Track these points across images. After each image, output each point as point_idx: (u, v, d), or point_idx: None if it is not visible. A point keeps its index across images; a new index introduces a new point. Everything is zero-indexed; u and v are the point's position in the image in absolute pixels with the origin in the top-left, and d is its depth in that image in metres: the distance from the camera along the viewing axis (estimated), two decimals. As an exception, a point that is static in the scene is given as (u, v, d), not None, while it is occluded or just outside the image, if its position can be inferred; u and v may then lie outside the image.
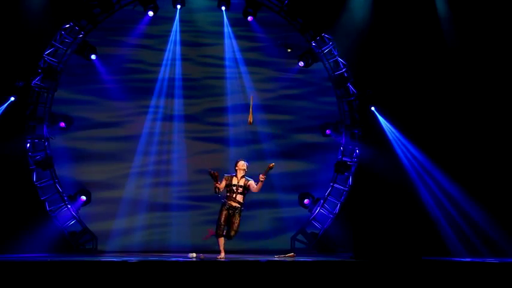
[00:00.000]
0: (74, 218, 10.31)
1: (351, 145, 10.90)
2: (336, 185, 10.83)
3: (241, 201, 8.14)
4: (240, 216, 8.13)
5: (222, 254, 8.12)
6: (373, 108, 10.80)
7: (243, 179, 8.13)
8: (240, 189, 8.10)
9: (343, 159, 10.87)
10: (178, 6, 10.77)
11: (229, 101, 11.03)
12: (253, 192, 8.22)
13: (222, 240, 8.16)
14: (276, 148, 10.88)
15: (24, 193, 9.97)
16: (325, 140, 11.09)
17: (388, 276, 6.95)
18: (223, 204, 8.18)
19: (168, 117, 10.95)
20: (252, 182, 8.12)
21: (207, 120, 11.05)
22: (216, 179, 8.00)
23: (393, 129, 10.74)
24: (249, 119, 8.63)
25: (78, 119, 10.62)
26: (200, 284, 6.73)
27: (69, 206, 10.28)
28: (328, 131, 11.02)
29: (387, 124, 10.77)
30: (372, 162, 10.56)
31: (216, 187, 8.03)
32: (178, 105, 10.97)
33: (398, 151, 10.69)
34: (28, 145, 10.16)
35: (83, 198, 10.36)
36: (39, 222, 9.94)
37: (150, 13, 10.60)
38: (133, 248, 10.29)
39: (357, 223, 8.52)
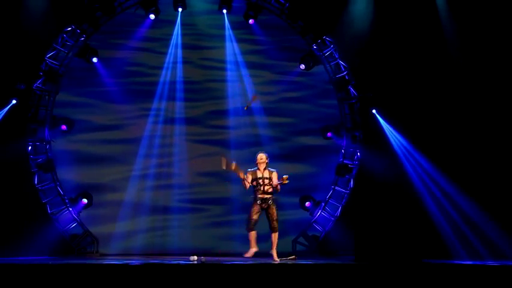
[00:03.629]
0: (75, 220, 10.32)
1: (352, 148, 10.91)
2: (337, 188, 10.83)
3: (271, 191, 8.20)
4: (275, 205, 8.19)
5: (254, 249, 8.14)
6: (374, 111, 10.81)
7: (267, 171, 8.24)
8: (267, 181, 8.19)
9: (344, 161, 10.87)
10: (180, 10, 10.81)
11: (230, 103, 11.04)
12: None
13: (252, 235, 8.19)
14: (277, 151, 10.88)
15: (26, 196, 9.98)
16: (326, 143, 11.10)
17: (389, 279, 6.95)
18: (254, 199, 8.23)
19: (169, 120, 10.96)
20: (275, 174, 8.22)
21: (208, 123, 11.06)
22: (239, 171, 8.03)
23: (394, 132, 10.74)
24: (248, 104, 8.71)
25: (80, 121, 10.64)
26: (201, 287, 6.72)
27: (70, 209, 10.30)
28: (329, 134, 11.02)
29: (388, 127, 10.77)
30: (373, 165, 10.57)
31: (244, 183, 8.11)
32: (179, 108, 10.98)
33: (400, 153, 10.69)
34: (29, 148, 10.18)
35: (84, 201, 10.37)
36: (41, 225, 9.96)
37: (152, 16, 10.63)
38: (134, 251, 10.31)
39: (358, 226, 8.53)
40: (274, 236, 8.25)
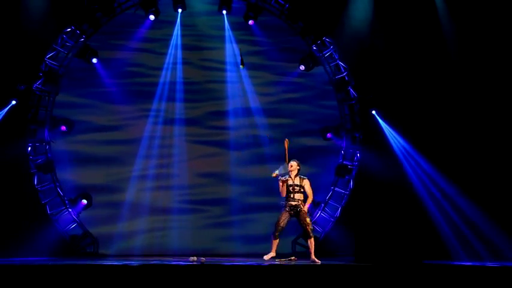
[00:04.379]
0: (75, 221, 10.32)
1: (351, 149, 10.91)
2: (336, 189, 10.83)
3: (301, 198, 8.21)
4: (305, 211, 8.16)
5: (272, 254, 8.17)
6: (373, 112, 10.82)
7: (298, 178, 8.26)
8: (297, 188, 8.21)
9: (344, 162, 10.88)
10: (180, 10, 10.82)
11: (230, 104, 11.05)
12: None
13: (275, 242, 8.22)
14: (276, 152, 10.87)
15: (25, 197, 9.98)
16: (326, 144, 11.10)
17: (389, 280, 6.94)
18: (284, 206, 8.24)
19: (169, 121, 10.97)
20: (307, 181, 8.25)
21: (208, 123, 11.06)
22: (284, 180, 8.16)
23: (394, 133, 10.75)
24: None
25: (79, 122, 10.64)
26: (201, 288, 6.72)
27: (70, 210, 10.29)
28: (329, 135, 11.03)
29: (388, 128, 10.78)
30: (373, 166, 10.57)
31: (282, 189, 8.21)
32: (179, 108, 10.99)
33: (399, 154, 10.70)
34: (29, 149, 10.18)
35: (84, 201, 10.37)
36: (40, 226, 9.96)
37: (152, 17, 10.64)
38: (134, 252, 10.29)
39: (358, 227, 8.53)
40: (311, 242, 8.25)
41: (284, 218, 8.16)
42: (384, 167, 10.51)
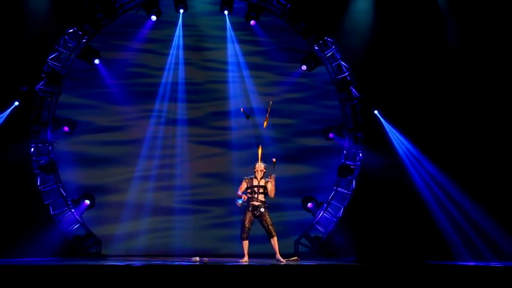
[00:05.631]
0: (77, 222, 10.34)
1: (354, 149, 10.90)
2: (339, 189, 10.83)
3: (263, 199, 8.26)
4: (267, 211, 8.21)
5: (246, 258, 8.16)
6: (376, 112, 10.81)
7: (263, 180, 8.30)
8: (261, 189, 8.26)
9: (346, 162, 10.87)
10: (181, 11, 10.82)
11: (232, 105, 11.04)
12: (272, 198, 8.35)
13: (246, 244, 8.21)
14: (279, 152, 10.88)
15: (28, 197, 10.01)
16: (328, 144, 11.09)
17: (391, 280, 6.94)
18: (247, 207, 8.26)
19: (171, 121, 10.98)
20: (270, 182, 8.27)
21: (209, 124, 11.07)
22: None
23: (396, 133, 10.73)
24: (265, 124, 8.78)
25: (82, 123, 10.66)
26: (203, 288, 6.73)
27: (73, 210, 10.32)
28: (331, 135, 11.02)
29: (390, 127, 10.77)
30: (375, 166, 10.56)
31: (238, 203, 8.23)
32: (181, 109, 10.99)
33: (402, 154, 10.68)
34: (32, 149, 10.20)
35: (87, 202, 10.39)
36: (43, 227, 9.98)
37: (153, 18, 10.65)
38: (136, 252, 10.31)
39: (360, 227, 8.53)
40: (274, 242, 8.25)
41: (248, 219, 8.20)
42: (386, 167, 10.49)
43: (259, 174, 8.30)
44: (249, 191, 8.29)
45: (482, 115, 10.26)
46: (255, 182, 8.28)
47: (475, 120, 10.28)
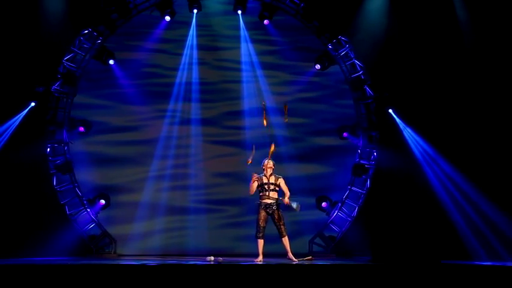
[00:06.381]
0: (93, 221, 10.42)
1: (368, 148, 10.84)
2: (353, 188, 10.78)
3: (276, 196, 8.26)
4: (279, 210, 8.22)
5: (260, 257, 8.15)
6: (390, 111, 10.74)
7: (273, 177, 8.30)
8: (272, 186, 8.26)
9: (361, 162, 10.81)
10: (195, 11, 10.85)
11: (246, 104, 11.05)
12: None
13: (261, 243, 8.21)
14: (293, 151, 10.86)
15: (45, 197, 10.11)
16: (342, 143, 11.05)
17: (407, 280, 6.90)
18: (259, 205, 8.27)
19: (186, 121, 11.01)
20: (281, 180, 8.31)
21: (223, 123, 11.08)
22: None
23: (411, 132, 10.65)
24: (265, 123, 8.80)
25: (97, 123, 10.74)
26: (218, 288, 6.75)
27: (88, 210, 10.39)
28: (345, 134, 10.97)
29: (405, 126, 10.69)
30: (390, 165, 10.49)
31: (251, 185, 8.26)
32: (195, 109, 11.02)
33: (416, 153, 10.60)
34: (48, 150, 10.31)
35: (102, 202, 10.46)
36: (59, 226, 10.07)
37: (167, 18, 10.69)
38: (151, 252, 10.37)
39: (375, 226, 8.49)
40: (285, 241, 8.25)
41: (263, 217, 8.19)
42: (401, 166, 10.42)
43: (268, 172, 8.31)
44: (259, 188, 8.29)
45: (498, 114, 10.14)
46: (265, 180, 8.29)
47: (491, 119, 10.16)
